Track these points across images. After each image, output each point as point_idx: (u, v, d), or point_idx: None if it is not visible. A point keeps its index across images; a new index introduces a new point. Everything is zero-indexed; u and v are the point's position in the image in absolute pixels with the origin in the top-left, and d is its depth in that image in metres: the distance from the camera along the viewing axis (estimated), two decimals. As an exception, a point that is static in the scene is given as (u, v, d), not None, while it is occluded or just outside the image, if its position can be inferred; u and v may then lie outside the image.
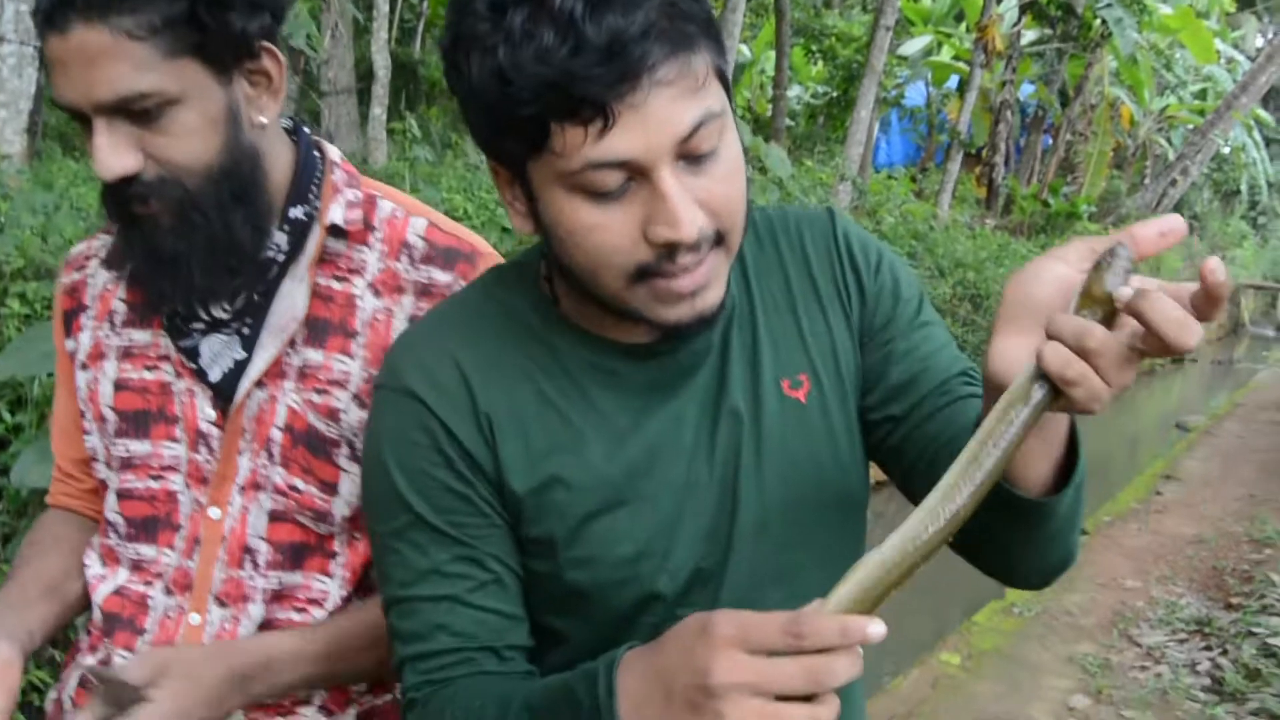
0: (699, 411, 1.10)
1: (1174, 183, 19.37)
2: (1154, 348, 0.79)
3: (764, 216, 1.18)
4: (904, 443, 1.13)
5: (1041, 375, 0.81)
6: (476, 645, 1.05)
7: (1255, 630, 5.04)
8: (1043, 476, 0.93)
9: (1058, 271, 0.87)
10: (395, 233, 1.34)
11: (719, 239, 0.97)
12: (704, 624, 0.81)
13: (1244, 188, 26.18)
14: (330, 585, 1.34)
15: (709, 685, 0.78)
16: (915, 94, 17.21)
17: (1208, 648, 5.02)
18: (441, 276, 1.32)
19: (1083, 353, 0.78)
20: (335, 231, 1.32)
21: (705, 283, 0.97)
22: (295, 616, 1.33)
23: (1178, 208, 20.53)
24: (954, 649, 5.05)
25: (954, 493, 0.81)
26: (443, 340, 1.09)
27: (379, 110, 7.44)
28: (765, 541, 1.11)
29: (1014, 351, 0.86)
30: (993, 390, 0.88)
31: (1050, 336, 0.80)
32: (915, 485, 1.12)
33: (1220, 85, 21.13)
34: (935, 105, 17.37)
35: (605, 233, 0.93)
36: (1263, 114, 23.09)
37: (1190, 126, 20.86)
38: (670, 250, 0.93)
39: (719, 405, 1.10)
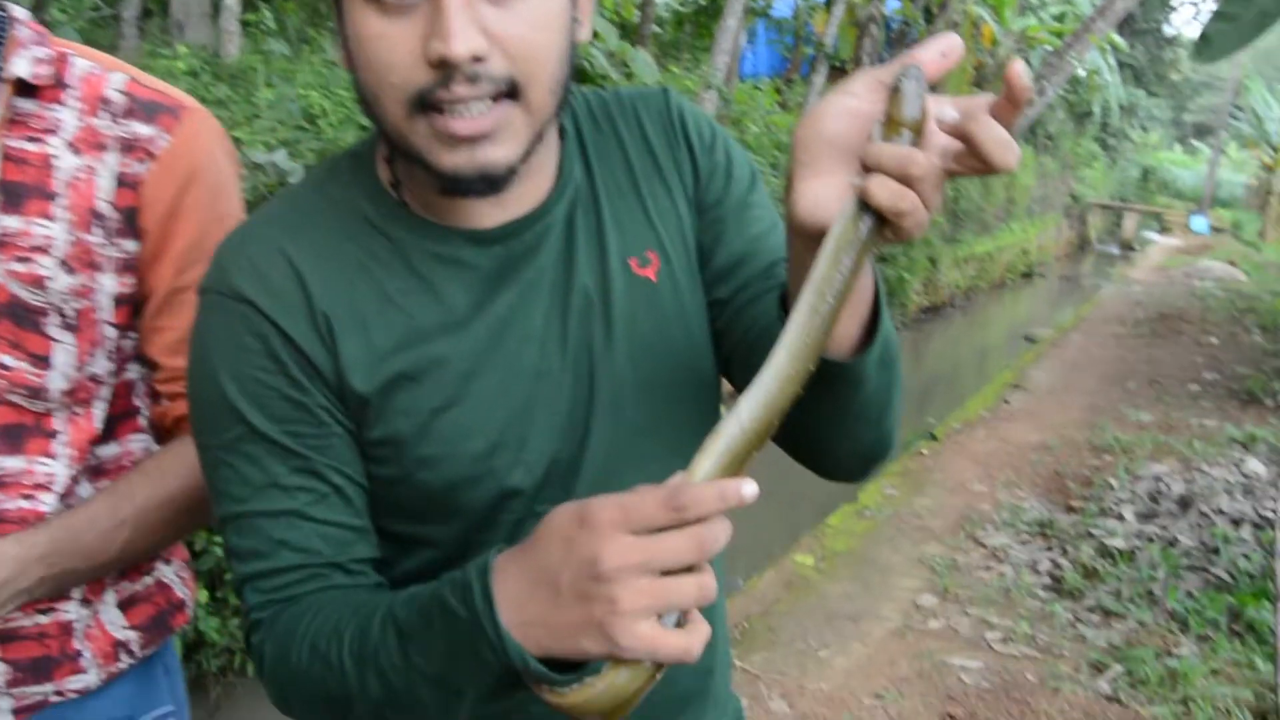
0: (548, 296, 1.07)
1: (1030, 102, 19.73)
2: (973, 168, 0.80)
3: (599, 99, 1.16)
4: (728, 327, 1.11)
5: (864, 209, 0.79)
6: (321, 561, 1.01)
7: (1093, 532, 5.29)
8: (851, 337, 0.92)
9: (847, 105, 0.84)
10: (93, 89, 1.27)
11: (514, 91, 0.93)
12: (581, 513, 0.79)
13: (1096, 110, 26.86)
14: (55, 467, 1.28)
15: (599, 572, 0.77)
16: (783, 5, 17.17)
17: (1049, 548, 5.26)
18: (144, 130, 1.26)
19: (908, 180, 0.78)
20: (24, 90, 1.24)
21: (488, 132, 0.93)
22: (25, 505, 1.27)
23: (1033, 128, 21.02)
24: (808, 551, 5.19)
25: (799, 346, 0.80)
26: (273, 238, 1.02)
27: (232, 1, 7.12)
28: (621, 427, 1.08)
29: (819, 193, 0.83)
30: (801, 239, 0.86)
31: (870, 169, 0.79)
32: (735, 372, 1.11)
33: (1079, 9, 21.51)
34: (802, 17, 17.36)
35: (387, 45, 0.91)
36: (1117, 39, 23.67)
37: (1049, 48, 21.29)
38: (445, 75, 0.90)
39: (568, 288, 1.07)
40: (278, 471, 1.00)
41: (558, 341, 1.06)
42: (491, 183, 0.96)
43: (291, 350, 1.00)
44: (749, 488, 0.76)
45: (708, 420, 1.13)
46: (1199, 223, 28.97)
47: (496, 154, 0.94)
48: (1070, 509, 5.80)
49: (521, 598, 0.82)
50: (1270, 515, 5.26)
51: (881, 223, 0.79)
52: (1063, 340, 11.62)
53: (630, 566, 0.76)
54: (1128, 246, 26.85)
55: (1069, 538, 5.31)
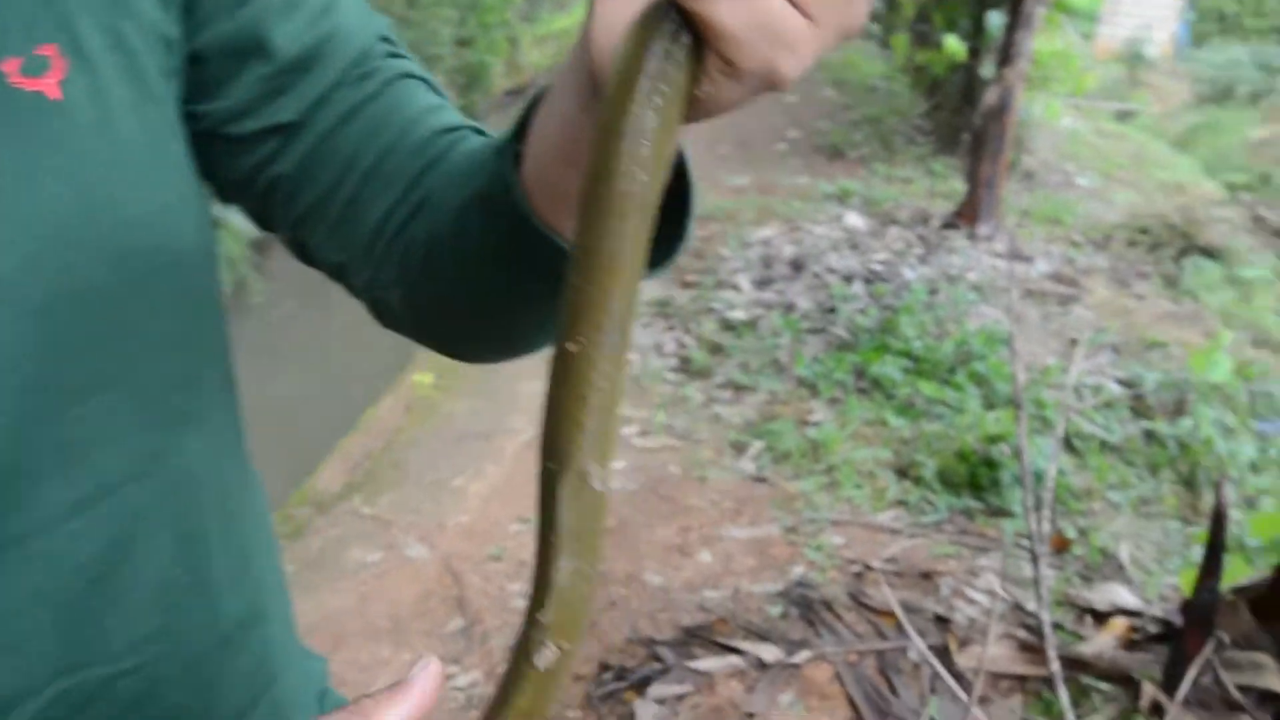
0: None
1: None
2: None
3: None
4: (302, 174, 0.70)
5: (667, 14, 0.44)
6: None
7: (713, 306, 5.16)
8: None
9: None
10: None
11: None
12: None
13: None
14: None
15: None
16: None
17: (671, 328, 5.08)
18: None
19: None
20: None
21: None
22: None
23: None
24: (425, 368, 4.77)
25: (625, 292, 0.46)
26: None
27: None
28: (20, 375, 0.58)
29: (626, 12, 0.47)
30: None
31: None
32: (313, 241, 0.73)
33: None
34: None
35: None
36: None
37: None
38: None
39: None
40: None
41: None
42: None
43: None
44: None
45: (209, 329, 0.72)
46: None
47: None
48: (686, 284, 5.65)
49: None
50: (878, 268, 5.31)
51: (698, 43, 0.45)
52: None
53: None
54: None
55: (689, 314, 5.16)
